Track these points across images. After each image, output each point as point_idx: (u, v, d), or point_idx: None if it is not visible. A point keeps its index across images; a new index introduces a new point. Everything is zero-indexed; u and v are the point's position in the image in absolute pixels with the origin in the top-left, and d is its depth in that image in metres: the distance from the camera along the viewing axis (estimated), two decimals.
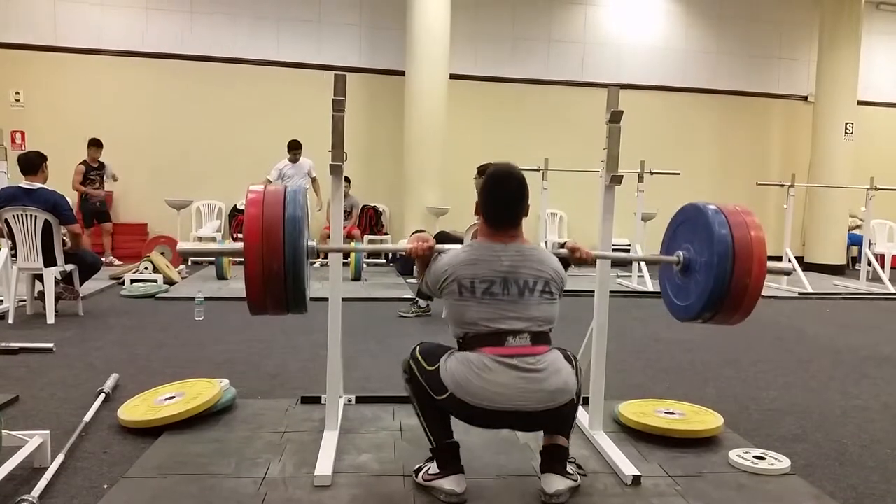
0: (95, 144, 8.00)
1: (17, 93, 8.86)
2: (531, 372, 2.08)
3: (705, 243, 2.34)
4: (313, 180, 8.27)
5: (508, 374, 2.06)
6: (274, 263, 2.05)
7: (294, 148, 8.12)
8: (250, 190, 2.16)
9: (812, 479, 2.44)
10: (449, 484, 2.17)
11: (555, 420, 2.19)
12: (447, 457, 2.21)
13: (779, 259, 8.25)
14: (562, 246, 2.46)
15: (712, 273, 2.26)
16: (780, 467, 2.47)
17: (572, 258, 2.41)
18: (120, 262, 7.92)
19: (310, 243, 2.24)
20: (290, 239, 2.07)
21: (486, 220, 2.25)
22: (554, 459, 2.21)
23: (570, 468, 2.24)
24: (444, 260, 2.25)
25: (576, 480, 2.22)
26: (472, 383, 2.07)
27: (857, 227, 10.10)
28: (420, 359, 2.24)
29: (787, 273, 2.73)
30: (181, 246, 2.43)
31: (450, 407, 2.16)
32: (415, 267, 2.44)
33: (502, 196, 2.23)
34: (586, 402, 2.89)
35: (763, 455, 2.56)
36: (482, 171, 5.02)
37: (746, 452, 2.58)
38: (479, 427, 2.26)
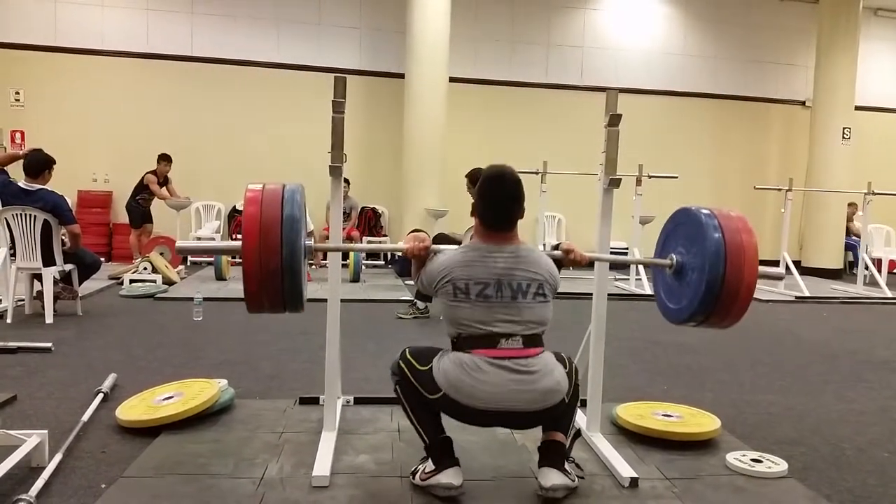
0: (167, 159, 8.05)
1: (18, 92, 8.86)
2: (523, 374, 2.12)
3: (697, 247, 2.34)
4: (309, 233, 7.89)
5: (501, 375, 2.11)
6: (271, 262, 2.06)
7: None
8: (249, 189, 2.17)
9: (809, 483, 2.44)
10: (446, 478, 2.18)
11: (549, 419, 2.23)
12: (442, 453, 2.22)
13: (776, 263, 8.27)
14: (555, 248, 2.47)
15: (704, 277, 2.27)
16: (778, 470, 2.48)
17: (566, 260, 2.43)
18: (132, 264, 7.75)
19: (307, 242, 2.25)
20: (288, 239, 2.08)
21: (481, 222, 2.27)
22: (551, 454, 2.23)
23: (568, 467, 2.25)
24: (440, 260, 2.28)
25: (573, 480, 2.23)
26: (464, 383, 2.11)
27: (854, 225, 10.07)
28: (411, 360, 2.27)
29: (780, 278, 2.76)
30: (180, 244, 2.45)
31: (442, 406, 2.19)
32: (412, 266, 2.45)
33: (498, 198, 2.24)
34: (584, 404, 2.89)
35: (760, 458, 2.57)
36: (472, 176, 5.03)
37: (744, 455, 2.59)
38: (472, 425, 2.28)
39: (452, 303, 2.19)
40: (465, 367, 2.13)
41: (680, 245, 2.48)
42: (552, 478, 2.18)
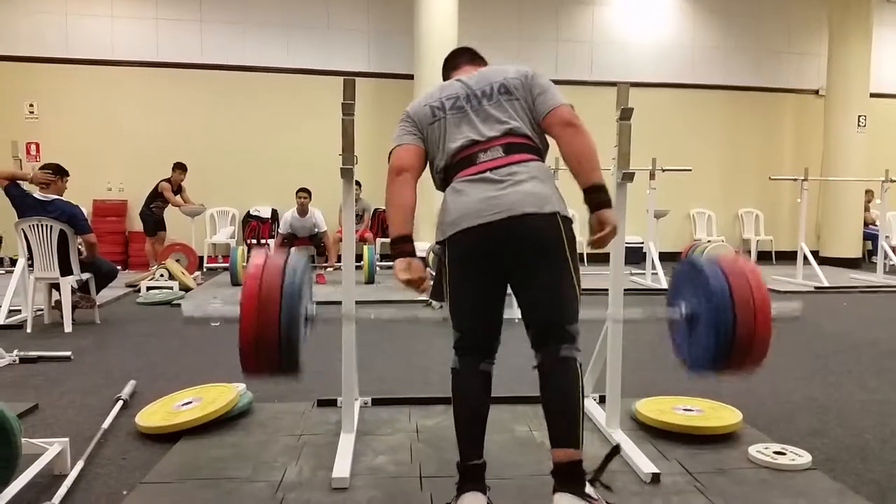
0: (182, 168, 8.14)
1: (32, 105, 8.97)
2: (502, 182, 2.01)
3: (703, 297, 2.18)
4: (323, 234, 7.88)
5: (477, 188, 2.02)
6: (268, 331, 2.02)
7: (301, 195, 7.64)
8: (253, 252, 2.19)
9: (834, 474, 2.41)
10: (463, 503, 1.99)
11: (545, 251, 2.06)
12: (464, 478, 2.05)
13: (794, 254, 8.18)
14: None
15: (713, 326, 2.10)
16: (802, 462, 2.45)
17: (595, 223, 2.20)
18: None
19: (310, 308, 2.20)
20: (287, 308, 2.05)
21: (445, 68, 2.43)
22: (567, 478, 1.88)
23: (592, 492, 1.90)
24: (414, 103, 2.27)
25: None
26: (450, 212, 2.06)
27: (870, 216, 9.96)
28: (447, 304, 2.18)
29: (795, 316, 2.55)
30: (187, 311, 2.41)
31: (451, 271, 2.10)
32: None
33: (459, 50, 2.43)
34: (603, 399, 2.88)
35: (783, 450, 2.54)
36: None
37: (766, 448, 2.56)
38: (481, 269, 2.06)
39: (433, 125, 2.16)
40: (449, 197, 2.10)
41: (689, 294, 2.31)
42: None
